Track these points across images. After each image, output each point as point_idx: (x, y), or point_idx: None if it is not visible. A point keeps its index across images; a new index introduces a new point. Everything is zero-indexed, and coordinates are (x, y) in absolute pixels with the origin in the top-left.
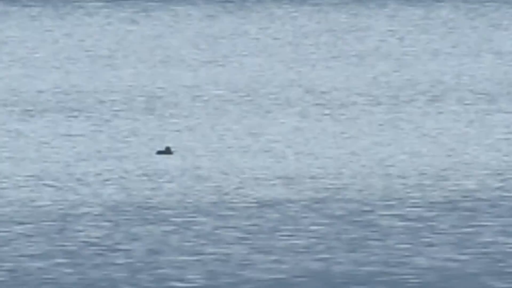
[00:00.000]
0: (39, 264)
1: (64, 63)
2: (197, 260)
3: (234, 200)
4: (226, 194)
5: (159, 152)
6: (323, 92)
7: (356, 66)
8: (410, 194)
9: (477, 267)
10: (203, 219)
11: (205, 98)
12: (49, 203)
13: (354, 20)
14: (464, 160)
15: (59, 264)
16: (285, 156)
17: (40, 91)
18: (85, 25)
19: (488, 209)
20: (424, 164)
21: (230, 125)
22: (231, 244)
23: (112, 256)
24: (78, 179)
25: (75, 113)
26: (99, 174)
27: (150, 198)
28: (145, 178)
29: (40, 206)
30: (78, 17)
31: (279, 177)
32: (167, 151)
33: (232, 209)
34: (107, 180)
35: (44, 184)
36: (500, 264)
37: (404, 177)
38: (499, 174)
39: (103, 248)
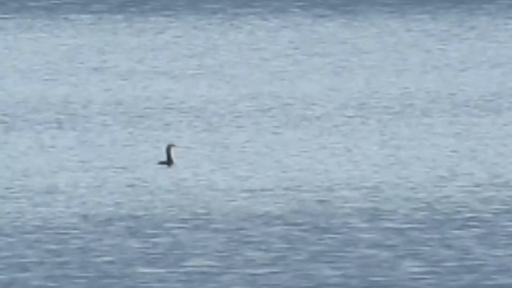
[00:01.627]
0: (25, 274)
1: (51, 74)
2: (179, 273)
3: (223, 212)
4: (218, 206)
5: (161, 163)
6: (310, 105)
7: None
8: (389, 206)
9: (453, 279)
10: (192, 231)
11: (198, 111)
12: (32, 215)
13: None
14: (446, 172)
15: (44, 275)
16: (271, 169)
17: (22, 102)
18: (71, 37)
19: (470, 221)
20: (408, 177)
21: (226, 138)
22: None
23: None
24: (64, 190)
25: (63, 124)
26: (88, 185)
27: (139, 210)
28: (137, 188)
29: (24, 218)
30: (64, 28)
31: (265, 190)
32: (169, 161)
33: (221, 221)
34: (97, 191)
35: (26, 196)
36: (478, 275)
37: (383, 190)
38: (482, 186)
39: (83, 259)
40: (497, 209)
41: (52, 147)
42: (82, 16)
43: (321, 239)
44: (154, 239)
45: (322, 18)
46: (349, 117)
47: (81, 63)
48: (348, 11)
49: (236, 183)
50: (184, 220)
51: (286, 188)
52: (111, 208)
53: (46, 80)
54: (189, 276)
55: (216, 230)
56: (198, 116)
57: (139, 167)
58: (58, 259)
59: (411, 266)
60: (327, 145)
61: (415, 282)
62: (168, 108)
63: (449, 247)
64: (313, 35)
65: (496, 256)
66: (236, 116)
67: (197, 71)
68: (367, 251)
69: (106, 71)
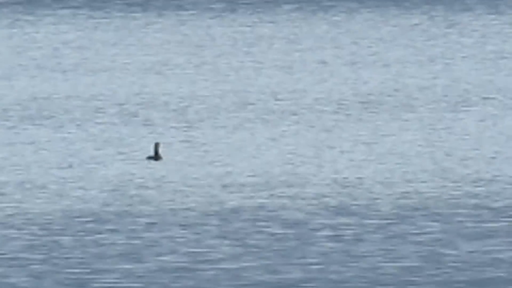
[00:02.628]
0: (11, 269)
1: (34, 71)
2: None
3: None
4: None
5: (149, 158)
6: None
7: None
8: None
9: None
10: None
11: (189, 106)
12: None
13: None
14: (421, 167)
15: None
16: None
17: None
18: (56, 32)
19: (443, 216)
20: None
21: (218, 133)
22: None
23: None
24: (57, 186)
25: (49, 120)
26: (77, 181)
27: (129, 205)
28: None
29: (6, 213)
30: (46, 24)
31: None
32: (156, 157)
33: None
34: (83, 187)
35: (8, 192)
36: (457, 271)
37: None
38: (457, 181)
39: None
40: (473, 204)
41: (31, 143)
42: (61, 11)
43: (296, 234)
44: (137, 234)
45: (298, 12)
46: (325, 112)
47: (61, 59)
48: (325, 6)
49: (213, 179)
50: (159, 216)
51: (262, 184)
52: (94, 204)
53: (28, 76)
54: (167, 272)
55: (187, 226)
56: (178, 112)
57: (127, 163)
58: (43, 255)
59: (388, 261)
60: (304, 140)
61: (389, 276)
62: (147, 103)
63: (418, 242)
64: (292, 30)
65: (470, 251)
66: (212, 112)
67: (179, 67)
68: (340, 246)
69: (83, 67)
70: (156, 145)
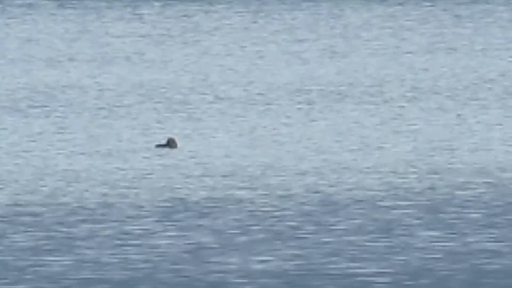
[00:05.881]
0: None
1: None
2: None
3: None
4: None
5: (159, 146)
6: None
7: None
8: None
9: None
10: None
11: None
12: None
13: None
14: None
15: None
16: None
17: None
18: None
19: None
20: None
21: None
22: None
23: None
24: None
25: (45, 111)
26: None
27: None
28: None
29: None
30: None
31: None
32: (168, 144)
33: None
34: (91, 176)
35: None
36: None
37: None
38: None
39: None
40: (443, 195)
41: (37, 133)
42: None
43: (266, 226)
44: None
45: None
46: (287, 101)
47: (34, 50)
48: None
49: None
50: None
51: (224, 175)
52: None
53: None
54: (157, 262)
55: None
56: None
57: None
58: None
59: (358, 252)
60: (261, 130)
61: (355, 270)
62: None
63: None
64: (264, 20)
65: (444, 243)
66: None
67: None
68: (314, 238)
69: (33, 58)
70: (171, 140)
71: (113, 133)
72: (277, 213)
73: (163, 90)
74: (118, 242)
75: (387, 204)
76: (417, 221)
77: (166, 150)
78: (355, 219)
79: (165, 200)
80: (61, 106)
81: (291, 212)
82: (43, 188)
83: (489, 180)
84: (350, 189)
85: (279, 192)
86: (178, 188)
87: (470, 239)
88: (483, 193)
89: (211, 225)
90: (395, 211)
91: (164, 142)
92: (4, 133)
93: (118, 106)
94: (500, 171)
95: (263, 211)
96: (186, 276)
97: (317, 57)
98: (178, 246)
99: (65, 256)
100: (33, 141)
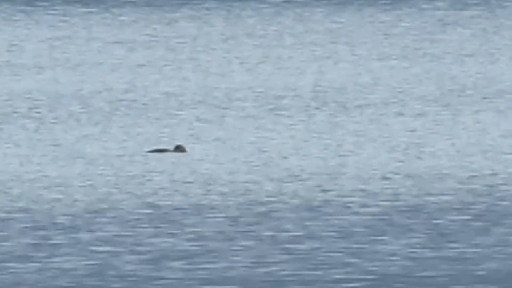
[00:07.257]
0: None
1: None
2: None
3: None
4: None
5: (156, 150)
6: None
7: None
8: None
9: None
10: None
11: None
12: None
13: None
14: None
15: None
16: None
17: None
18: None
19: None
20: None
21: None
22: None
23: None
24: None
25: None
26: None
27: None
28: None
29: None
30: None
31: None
32: (163, 149)
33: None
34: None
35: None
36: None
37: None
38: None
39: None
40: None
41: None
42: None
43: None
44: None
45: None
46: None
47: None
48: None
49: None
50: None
51: (205, 182)
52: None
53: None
54: (144, 265)
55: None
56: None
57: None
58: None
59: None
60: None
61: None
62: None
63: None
64: (246, 24)
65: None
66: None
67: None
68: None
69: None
70: (179, 147)
71: (101, 139)
72: (255, 219)
73: (157, 96)
74: (95, 249)
75: (363, 210)
76: (394, 227)
77: (167, 154)
78: (333, 225)
79: (154, 206)
80: (69, 111)
81: (272, 218)
82: (25, 195)
83: (466, 186)
84: (329, 196)
85: (257, 198)
86: (165, 193)
87: (449, 245)
88: (461, 199)
89: (193, 230)
90: (371, 217)
91: (161, 147)
92: None
93: (108, 112)
94: (477, 178)
95: (239, 216)
96: (171, 284)
97: (300, 62)
98: (163, 252)
99: (42, 263)
100: (17, 145)
